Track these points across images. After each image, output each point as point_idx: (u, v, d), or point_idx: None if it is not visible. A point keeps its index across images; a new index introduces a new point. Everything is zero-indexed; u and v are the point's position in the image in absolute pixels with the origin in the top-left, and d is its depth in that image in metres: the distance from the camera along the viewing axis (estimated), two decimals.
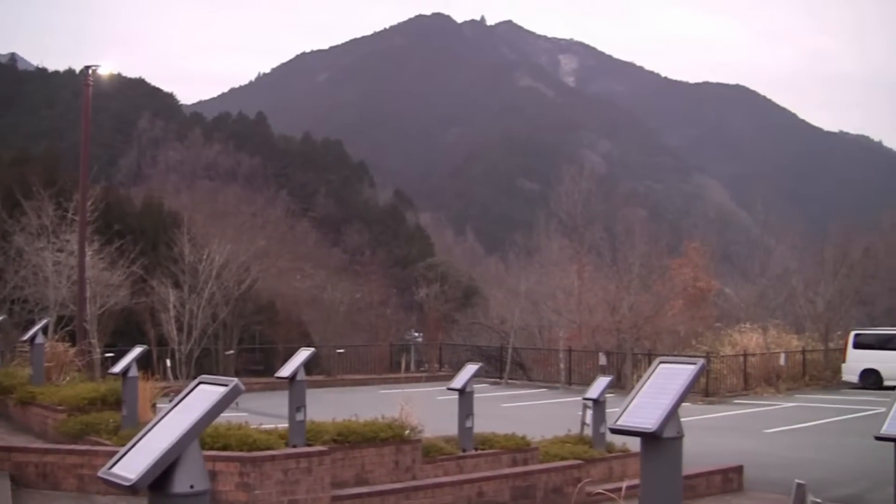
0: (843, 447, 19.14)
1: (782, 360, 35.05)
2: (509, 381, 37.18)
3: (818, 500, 5.56)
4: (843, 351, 35.87)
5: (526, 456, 13.80)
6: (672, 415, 5.01)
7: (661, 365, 5.36)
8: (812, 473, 14.89)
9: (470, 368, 14.29)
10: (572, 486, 12.41)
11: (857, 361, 34.83)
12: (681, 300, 41.59)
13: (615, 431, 5.14)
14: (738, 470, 14.53)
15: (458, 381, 14.02)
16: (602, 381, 14.58)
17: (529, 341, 43.72)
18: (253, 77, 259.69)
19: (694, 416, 25.06)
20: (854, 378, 34.75)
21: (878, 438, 7.24)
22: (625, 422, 5.13)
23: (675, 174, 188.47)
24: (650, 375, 5.31)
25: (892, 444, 7.25)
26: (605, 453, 14.24)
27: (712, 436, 21.06)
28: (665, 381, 5.20)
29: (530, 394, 33.40)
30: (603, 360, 34.25)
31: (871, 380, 33.90)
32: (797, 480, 4.45)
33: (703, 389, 30.38)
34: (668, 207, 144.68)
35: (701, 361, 5.32)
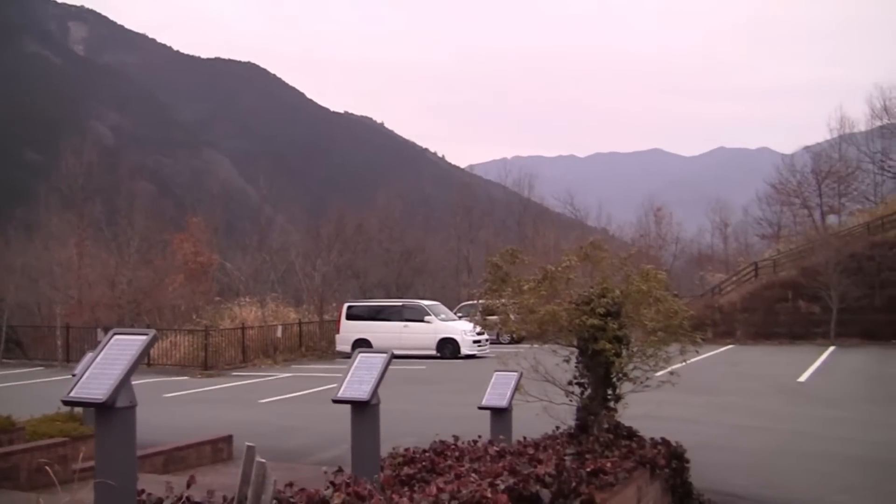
0: (328, 414, 20.00)
1: (279, 333, 36.15)
2: (4, 360, 36.22)
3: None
4: (338, 322, 37.56)
5: (11, 436, 13.29)
6: (123, 384, 5.08)
7: (116, 336, 5.42)
8: (300, 439, 15.64)
9: None
10: (59, 465, 12.13)
11: (349, 332, 36.53)
12: (182, 275, 41.68)
13: (68, 403, 5.15)
14: (228, 440, 14.80)
15: None
16: (90, 357, 14.31)
17: (28, 319, 42.23)
18: None
19: (192, 390, 25.32)
20: (347, 348, 36.21)
21: (336, 401, 7.78)
22: (77, 393, 5.14)
23: (185, 149, 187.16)
24: (104, 347, 5.36)
25: (349, 406, 7.83)
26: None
27: (209, 408, 21.42)
28: (117, 352, 5.26)
29: (26, 373, 32.54)
30: (101, 336, 33.62)
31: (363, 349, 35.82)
32: (247, 443, 4.71)
33: (202, 363, 30.65)
34: (176, 182, 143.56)
35: (152, 332, 5.44)
